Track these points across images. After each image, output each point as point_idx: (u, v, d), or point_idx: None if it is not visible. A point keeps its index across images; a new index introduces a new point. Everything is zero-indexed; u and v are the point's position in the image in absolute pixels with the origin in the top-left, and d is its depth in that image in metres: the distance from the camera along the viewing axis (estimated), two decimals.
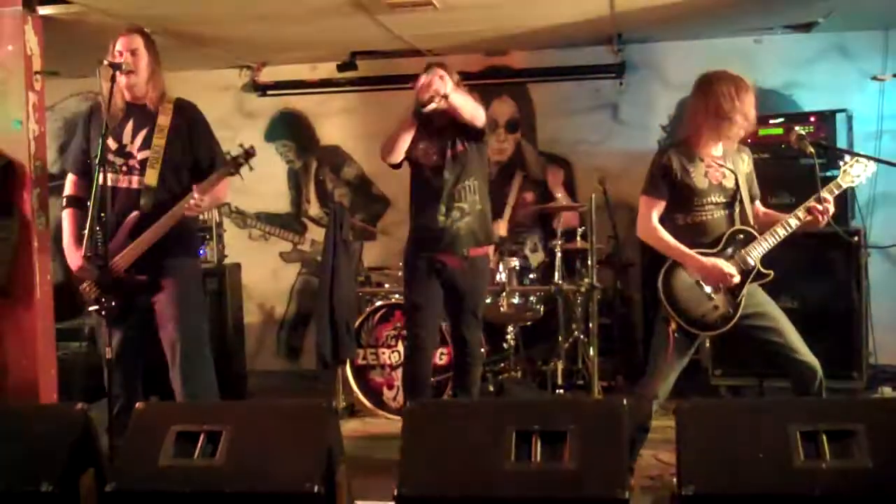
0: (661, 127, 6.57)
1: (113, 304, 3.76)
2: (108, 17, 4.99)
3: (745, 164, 4.00)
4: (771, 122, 5.59)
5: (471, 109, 4.34)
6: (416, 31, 6.03)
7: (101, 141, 3.71)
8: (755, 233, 3.87)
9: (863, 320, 5.35)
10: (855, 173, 3.92)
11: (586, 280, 5.55)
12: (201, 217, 5.45)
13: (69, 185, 4.15)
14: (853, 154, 4.11)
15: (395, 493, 2.90)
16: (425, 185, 4.48)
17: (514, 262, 5.71)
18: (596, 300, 5.51)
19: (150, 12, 5.05)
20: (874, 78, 6.16)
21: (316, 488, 2.91)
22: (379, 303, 5.67)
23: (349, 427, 5.32)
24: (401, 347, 5.52)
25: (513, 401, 5.04)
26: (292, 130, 7.21)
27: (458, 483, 2.91)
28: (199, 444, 3.07)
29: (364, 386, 5.63)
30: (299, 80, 7.08)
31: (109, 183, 3.83)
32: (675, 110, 6.46)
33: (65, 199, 4.12)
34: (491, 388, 5.65)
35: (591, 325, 5.57)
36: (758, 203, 4.08)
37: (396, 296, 5.61)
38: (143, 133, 4.02)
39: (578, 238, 5.88)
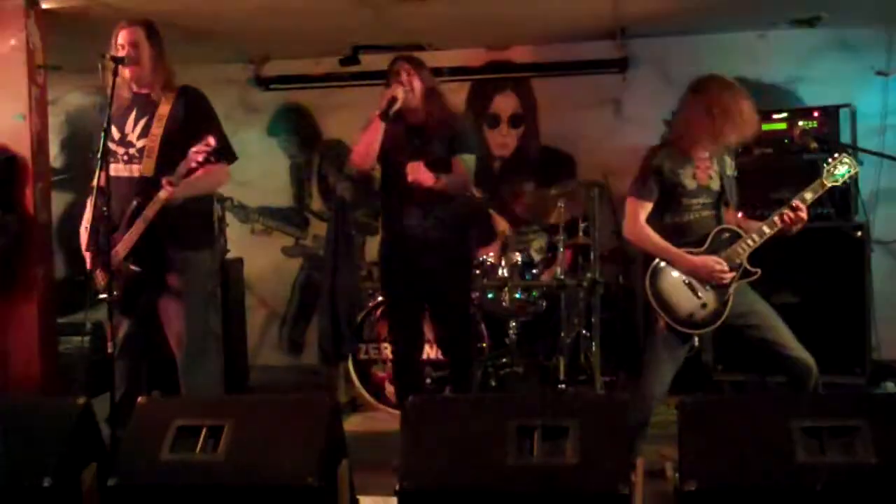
0: (665, 122, 6.55)
1: (115, 293, 3.75)
2: (111, 10, 4.99)
3: (728, 166, 4.01)
4: (774, 117, 5.58)
5: (459, 189, 4.36)
6: (419, 26, 6.01)
7: (103, 135, 3.70)
8: (741, 232, 3.88)
9: (865, 316, 5.34)
10: (839, 173, 3.87)
11: (588, 275, 5.55)
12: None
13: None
14: (857, 150, 4.11)
15: (397, 487, 2.90)
16: (398, 185, 4.38)
17: (517, 257, 5.70)
18: (598, 295, 5.50)
19: (153, 6, 5.04)
20: (878, 73, 6.14)
21: (317, 483, 2.91)
22: (381, 297, 5.66)
23: (351, 422, 5.31)
24: None
25: (514, 396, 5.05)
26: (295, 125, 7.20)
27: (459, 478, 2.91)
28: (200, 439, 3.07)
29: (366, 381, 5.62)
30: (302, 75, 7.06)
31: (113, 173, 3.81)
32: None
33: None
34: (492, 383, 5.65)
35: (593, 320, 5.57)
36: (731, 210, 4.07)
37: None
38: (142, 122, 4.00)
39: (581, 233, 5.87)
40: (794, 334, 3.90)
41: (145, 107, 4.01)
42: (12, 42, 4.72)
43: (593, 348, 5.56)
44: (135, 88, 4.02)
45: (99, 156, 3.66)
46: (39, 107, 4.80)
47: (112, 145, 3.95)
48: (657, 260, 3.89)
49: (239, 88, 7.17)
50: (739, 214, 4.08)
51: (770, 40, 6.36)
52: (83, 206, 4.11)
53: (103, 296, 3.88)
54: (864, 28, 6.19)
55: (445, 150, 4.36)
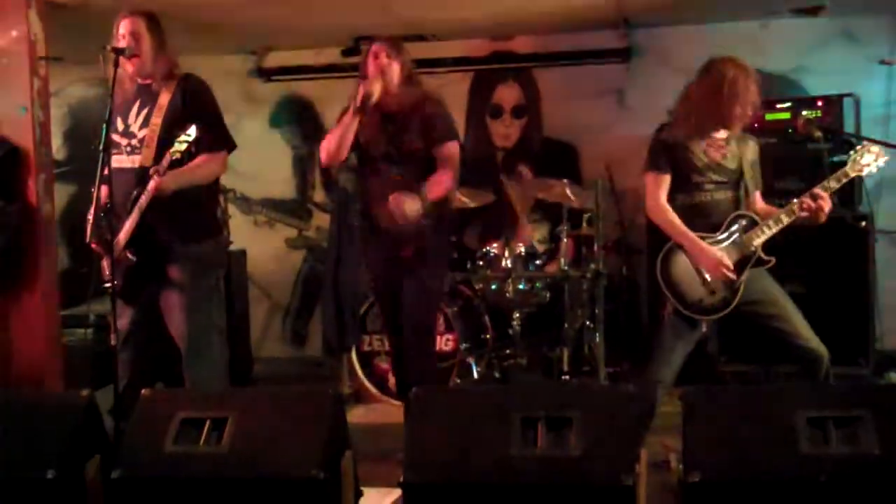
0: (668, 112, 6.53)
1: (116, 283, 3.74)
2: (113, 0, 4.97)
3: (750, 150, 3.99)
4: (778, 106, 5.57)
5: (447, 190, 4.16)
6: (421, 16, 6.00)
7: (104, 128, 3.69)
8: (757, 219, 3.86)
9: (869, 306, 5.33)
10: (865, 162, 3.85)
11: (592, 266, 5.54)
12: None
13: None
14: (861, 139, 4.08)
15: (401, 479, 2.90)
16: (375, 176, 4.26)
17: (520, 248, 5.70)
18: (602, 286, 5.50)
19: None
20: (882, 62, 6.11)
21: (321, 475, 2.91)
22: None
23: (355, 413, 5.31)
24: None
25: (518, 387, 5.04)
26: (297, 116, 7.18)
27: (463, 469, 2.91)
28: (204, 431, 3.07)
29: (369, 372, 5.63)
30: (304, 66, 7.04)
31: (116, 164, 3.80)
32: None
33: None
34: (496, 375, 5.65)
35: (596, 311, 5.56)
36: (758, 195, 4.05)
37: None
38: (144, 112, 3.97)
39: (584, 224, 5.86)
40: None
41: (147, 97, 3.99)
42: (14, 33, 4.70)
43: (597, 339, 5.55)
44: (138, 79, 4.00)
45: (101, 147, 3.65)
46: (41, 98, 4.79)
47: (116, 136, 3.94)
48: (669, 243, 3.88)
49: (240, 80, 7.15)
50: (762, 203, 4.03)
51: (773, 30, 6.33)
52: (89, 198, 4.09)
53: (107, 285, 3.87)
54: (867, 17, 6.16)
55: (421, 137, 4.17)
